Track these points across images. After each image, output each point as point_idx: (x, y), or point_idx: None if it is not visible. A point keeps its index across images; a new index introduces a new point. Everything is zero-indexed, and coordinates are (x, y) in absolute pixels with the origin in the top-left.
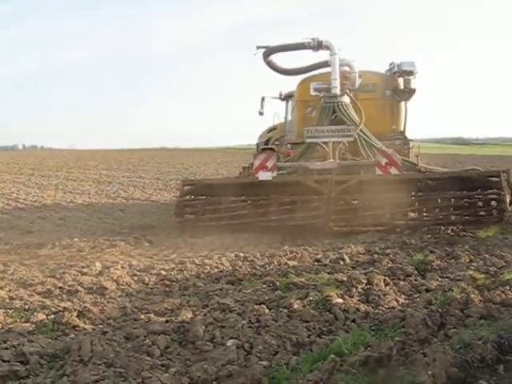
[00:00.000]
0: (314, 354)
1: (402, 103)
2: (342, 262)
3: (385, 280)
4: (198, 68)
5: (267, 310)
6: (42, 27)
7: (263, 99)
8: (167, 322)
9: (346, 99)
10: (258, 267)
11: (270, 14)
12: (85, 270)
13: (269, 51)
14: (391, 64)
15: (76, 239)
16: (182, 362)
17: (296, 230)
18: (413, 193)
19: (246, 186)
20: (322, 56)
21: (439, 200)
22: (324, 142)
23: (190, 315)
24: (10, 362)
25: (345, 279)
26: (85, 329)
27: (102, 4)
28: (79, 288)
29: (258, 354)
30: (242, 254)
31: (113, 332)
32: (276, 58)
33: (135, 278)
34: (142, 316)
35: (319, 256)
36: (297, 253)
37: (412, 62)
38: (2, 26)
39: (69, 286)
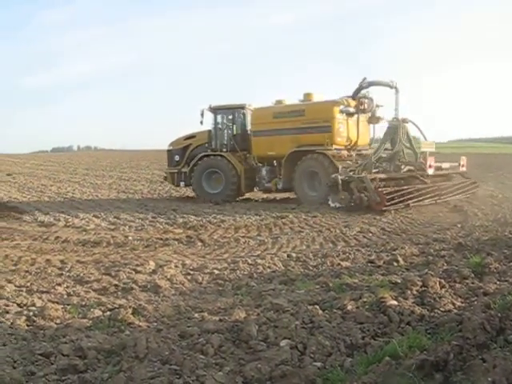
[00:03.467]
0: (369, 356)
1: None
2: (395, 264)
3: (440, 282)
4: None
5: (320, 311)
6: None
7: (202, 111)
8: (221, 321)
9: None
10: (311, 268)
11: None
12: (139, 269)
13: (370, 83)
14: None
15: (130, 238)
16: (236, 361)
17: None
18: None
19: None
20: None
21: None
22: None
23: (243, 315)
24: (69, 356)
25: (399, 281)
26: (140, 326)
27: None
28: (134, 286)
29: (312, 355)
30: (294, 255)
31: (167, 330)
32: None
33: (188, 277)
34: (196, 315)
35: (372, 257)
36: (350, 253)
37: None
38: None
39: (124, 283)
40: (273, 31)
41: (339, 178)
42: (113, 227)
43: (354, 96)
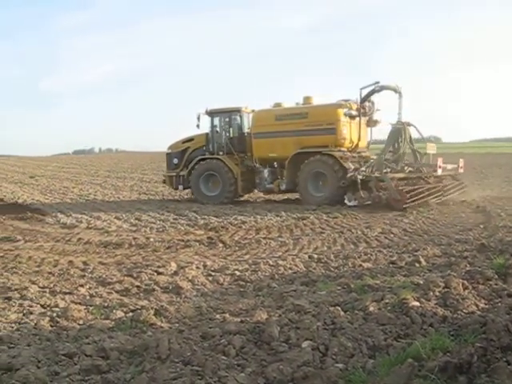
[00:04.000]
0: (391, 357)
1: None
2: (417, 265)
3: (463, 284)
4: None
5: (342, 312)
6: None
7: (199, 115)
8: (242, 322)
9: None
10: (332, 269)
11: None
12: (161, 270)
13: (382, 87)
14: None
15: (151, 239)
16: (258, 362)
17: None
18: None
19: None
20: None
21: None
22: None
23: (264, 316)
24: (92, 357)
25: (421, 282)
26: (161, 327)
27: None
28: (155, 287)
29: (334, 357)
30: (315, 256)
31: (189, 331)
32: None
33: (210, 278)
34: (218, 316)
35: (394, 258)
36: (371, 254)
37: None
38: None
39: (145, 285)
40: (284, 33)
41: (358, 177)
42: (134, 229)
43: (365, 99)
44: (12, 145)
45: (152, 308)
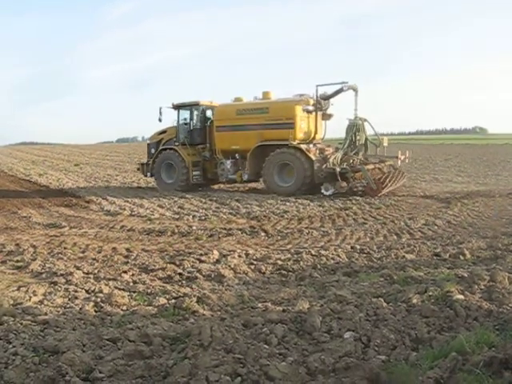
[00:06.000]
0: (435, 350)
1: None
2: (462, 257)
3: (509, 277)
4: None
5: (385, 304)
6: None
7: (161, 109)
8: (284, 311)
9: None
10: (375, 260)
11: None
12: (203, 258)
13: (349, 87)
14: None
15: (194, 227)
16: (299, 351)
17: None
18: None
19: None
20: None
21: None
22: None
23: (306, 306)
24: (136, 343)
25: (466, 275)
26: (204, 314)
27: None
28: (198, 275)
29: (376, 348)
30: (358, 246)
31: (231, 319)
32: None
33: (252, 267)
34: (260, 304)
35: (438, 250)
36: (414, 246)
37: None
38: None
39: (188, 272)
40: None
41: (337, 169)
42: (177, 217)
43: (332, 97)
44: (57, 133)
45: (194, 295)
